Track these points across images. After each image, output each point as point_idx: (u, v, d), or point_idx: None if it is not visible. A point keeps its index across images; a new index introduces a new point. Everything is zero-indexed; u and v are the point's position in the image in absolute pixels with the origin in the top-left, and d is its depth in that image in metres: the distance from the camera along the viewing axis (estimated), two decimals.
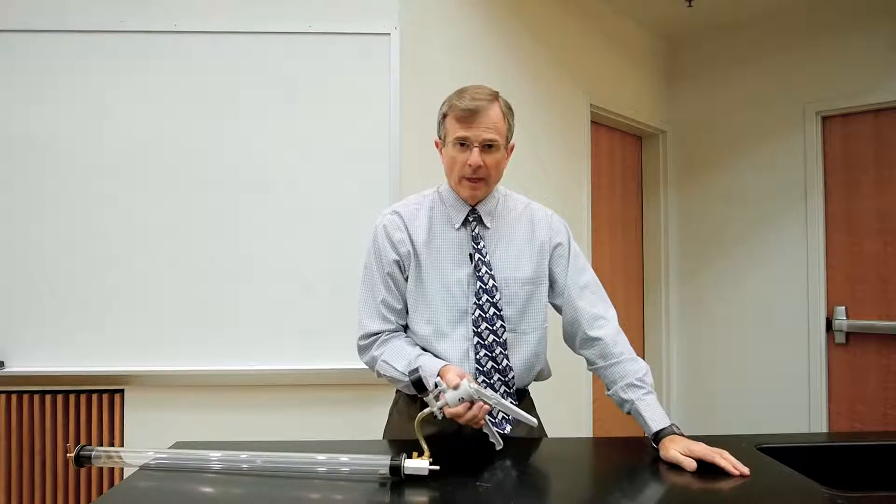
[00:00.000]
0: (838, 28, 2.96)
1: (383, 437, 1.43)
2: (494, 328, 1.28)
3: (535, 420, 1.14)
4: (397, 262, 1.33)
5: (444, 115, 1.30)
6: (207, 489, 1.03)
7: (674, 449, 1.12)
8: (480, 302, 1.28)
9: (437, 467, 1.02)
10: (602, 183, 3.21)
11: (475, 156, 1.25)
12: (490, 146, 1.26)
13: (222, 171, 2.00)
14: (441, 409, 1.09)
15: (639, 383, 1.25)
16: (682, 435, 1.17)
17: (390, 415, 1.45)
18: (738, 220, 3.27)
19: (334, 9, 2.05)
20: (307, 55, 2.03)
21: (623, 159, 3.44)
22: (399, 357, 1.27)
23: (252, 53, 2.01)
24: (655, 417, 1.21)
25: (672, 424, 1.19)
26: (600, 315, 1.34)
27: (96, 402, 1.98)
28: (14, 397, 1.95)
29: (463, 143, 1.26)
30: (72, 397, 1.97)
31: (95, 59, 1.98)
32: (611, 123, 3.23)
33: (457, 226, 1.33)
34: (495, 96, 1.28)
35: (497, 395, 1.12)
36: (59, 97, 1.97)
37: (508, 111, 1.31)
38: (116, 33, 1.98)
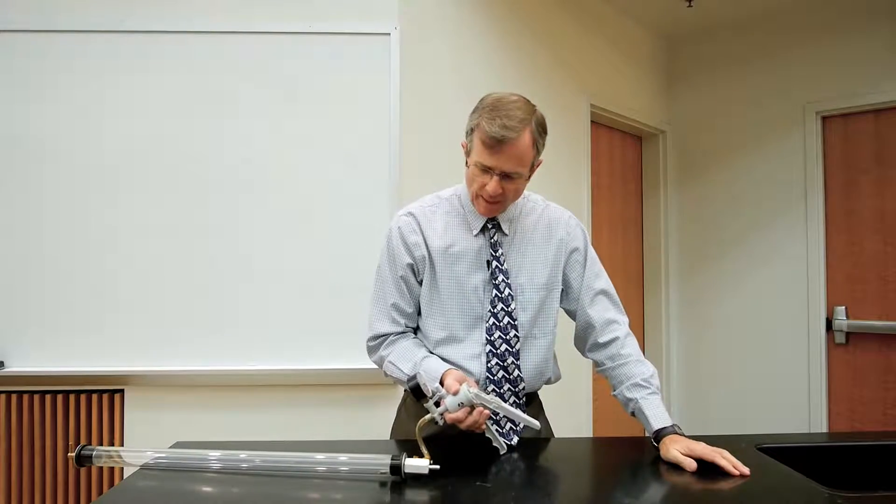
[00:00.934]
0: (838, 28, 2.96)
1: (391, 436, 1.43)
2: (507, 337, 1.27)
3: (537, 424, 1.13)
4: (411, 266, 1.32)
5: (473, 129, 1.22)
6: (207, 489, 1.03)
7: (674, 448, 1.12)
8: (495, 310, 1.27)
9: (438, 466, 1.02)
10: (602, 183, 3.21)
11: (494, 184, 1.19)
12: (510, 175, 1.20)
13: (222, 171, 2.00)
14: (441, 414, 1.09)
15: (644, 383, 1.25)
16: (683, 435, 1.17)
17: (398, 413, 1.45)
18: (738, 220, 3.27)
19: (334, 9, 2.05)
20: (307, 55, 2.02)
21: (623, 159, 3.44)
22: (405, 359, 1.27)
23: (252, 53, 2.01)
24: (657, 416, 1.21)
25: (674, 425, 1.19)
26: (612, 320, 1.34)
27: (96, 402, 1.97)
28: (14, 397, 1.95)
29: (484, 168, 1.21)
30: (72, 397, 1.97)
31: (95, 59, 1.98)
32: (611, 123, 3.23)
33: (475, 232, 1.31)
34: (528, 120, 1.19)
35: (497, 399, 1.12)
36: (59, 97, 1.97)
37: (539, 134, 1.22)
38: (116, 33, 1.98)
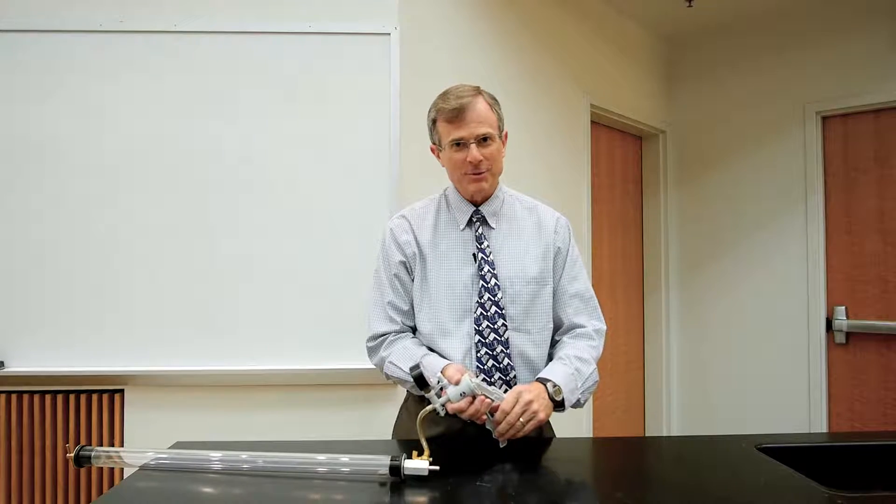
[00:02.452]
0: (838, 28, 2.96)
1: (392, 437, 1.44)
2: (495, 326, 1.29)
3: None
4: (403, 264, 1.36)
5: (434, 121, 1.33)
6: (207, 489, 1.03)
7: (515, 392, 1.14)
8: (482, 300, 1.29)
9: (437, 467, 1.02)
10: (602, 183, 3.21)
11: (473, 152, 1.27)
12: (485, 139, 1.28)
13: (222, 171, 2.00)
14: (444, 405, 1.10)
15: (565, 358, 1.28)
16: (553, 399, 1.18)
17: (399, 415, 1.46)
18: (738, 220, 3.27)
19: (334, 9, 2.05)
20: (307, 55, 2.02)
21: (623, 159, 3.44)
22: (405, 358, 1.29)
23: (252, 53, 2.01)
24: (549, 370, 1.25)
25: (556, 386, 1.19)
26: (578, 324, 1.37)
27: (96, 402, 1.97)
28: (14, 397, 1.95)
29: (459, 143, 1.28)
30: (72, 397, 1.97)
31: (95, 59, 1.98)
32: (611, 123, 3.23)
33: (461, 226, 1.35)
34: (478, 90, 1.30)
35: (498, 391, 1.14)
36: (59, 97, 1.97)
37: (494, 101, 1.33)
38: (116, 33, 1.98)
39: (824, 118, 3.02)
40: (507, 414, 1.12)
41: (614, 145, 3.35)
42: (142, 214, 1.98)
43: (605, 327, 1.40)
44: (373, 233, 1.95)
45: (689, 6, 2.87)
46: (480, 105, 1.28)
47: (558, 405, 1.20)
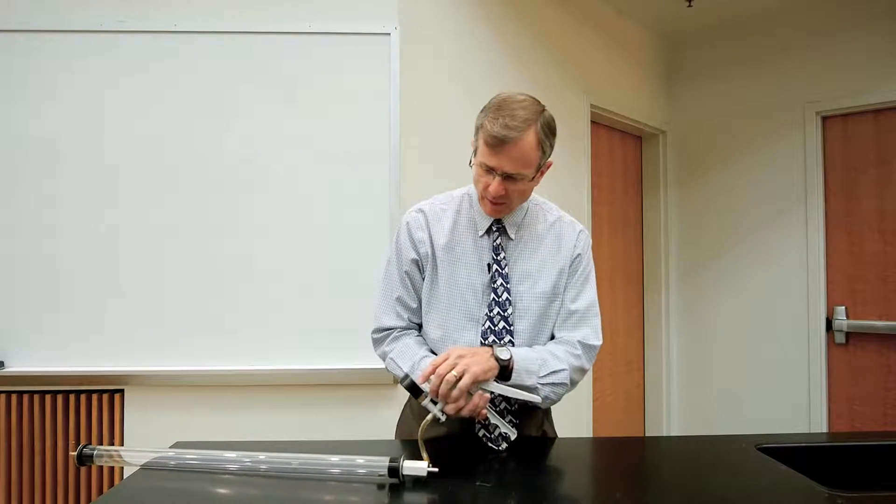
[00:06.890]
0: (838, 28, 2.96)
1: (395, 435, 1.44)
2: (502, 342, 1.26)
3: (538, 398, 1.14)
4: (415, 262, 1.33)
5: (479, 129, 1.22)
6: (207, 489, 1.03)
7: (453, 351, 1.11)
8: (491, 314, 1.26)
9: (436, 469, 1.02)
10: (602, 183, 3.21)
11: (496, 185, 1.19)
12: (513, 176, 1.19)
13: (222, 171, 2.00)
14: (442, 409, 1.09)
15: (537, 348, 1.25)
16: (498, 356, 1.13)
17: (403, 412, 1.46)
18: (738, 220, 3.27)
19: (334, 9, 2.05)
20: (307, 55, 2.02)
21: (623, 159, 3.44)
22: (405, 357, 1.28)
23: (252, 53, 2.01)
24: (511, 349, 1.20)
25: (510, 354, 1.15)
26: (568, 341, 1.29)
27: (96, 402, 1.97)
28: (14, 397, 1.95)
29: (487, 169, 1.20)
30: (72, 397, 1.97)
31: (95, 59, 1.98)
32: (611, 123, 3.23)
33: (480, 232, 1.30)
34: (534, 120, 1.17)
35: (495, 384, 1.12)
36: (59, 97, 1.97)
37: (546, 135, 1.20)
38: (116, 33, 1.98)
39: (824, 118, 3.02)
40: (438, 367, 1.08)
41: (614, 145, 3.35)
42: (142, 214, 1.98)
43: (597, 343, 1.30)
44: (373, 232, 1.96)
45: (689, 6, 2.87)
46: (527, 142, 1.16)
47: (504, 372, 1.14)
